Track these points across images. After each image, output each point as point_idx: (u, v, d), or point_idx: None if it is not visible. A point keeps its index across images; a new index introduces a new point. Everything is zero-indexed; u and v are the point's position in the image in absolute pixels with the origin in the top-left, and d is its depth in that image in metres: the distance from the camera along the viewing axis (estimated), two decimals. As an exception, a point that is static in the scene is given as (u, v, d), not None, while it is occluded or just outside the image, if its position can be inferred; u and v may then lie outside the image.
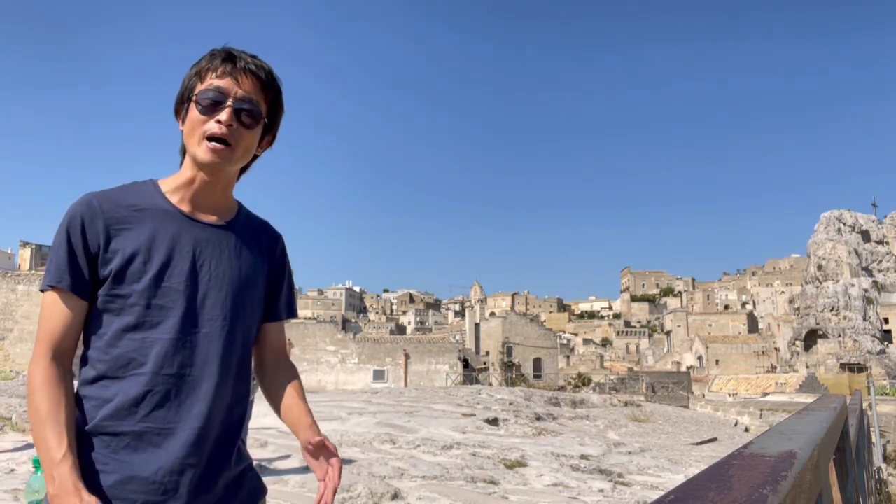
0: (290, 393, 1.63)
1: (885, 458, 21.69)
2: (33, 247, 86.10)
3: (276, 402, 1.64)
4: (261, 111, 1.52)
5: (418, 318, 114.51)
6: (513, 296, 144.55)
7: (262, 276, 1.61)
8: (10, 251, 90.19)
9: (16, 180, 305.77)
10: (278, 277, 1.67)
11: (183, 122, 1.52)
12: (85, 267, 1.43)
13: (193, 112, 1.48)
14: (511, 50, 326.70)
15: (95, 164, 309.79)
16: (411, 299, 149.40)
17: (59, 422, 1.34)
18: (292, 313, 1.71)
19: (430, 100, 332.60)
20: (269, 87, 1.54)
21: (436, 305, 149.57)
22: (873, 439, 16.42)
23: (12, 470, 7.11)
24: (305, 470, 7.67)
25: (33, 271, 43.36)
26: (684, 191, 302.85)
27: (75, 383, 1.46)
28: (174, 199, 1.52)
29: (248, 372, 1.57)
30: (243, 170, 1.62)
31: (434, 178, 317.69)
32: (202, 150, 1.47)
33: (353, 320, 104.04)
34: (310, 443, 1.49)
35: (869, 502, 5.35)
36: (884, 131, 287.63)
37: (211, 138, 1.46)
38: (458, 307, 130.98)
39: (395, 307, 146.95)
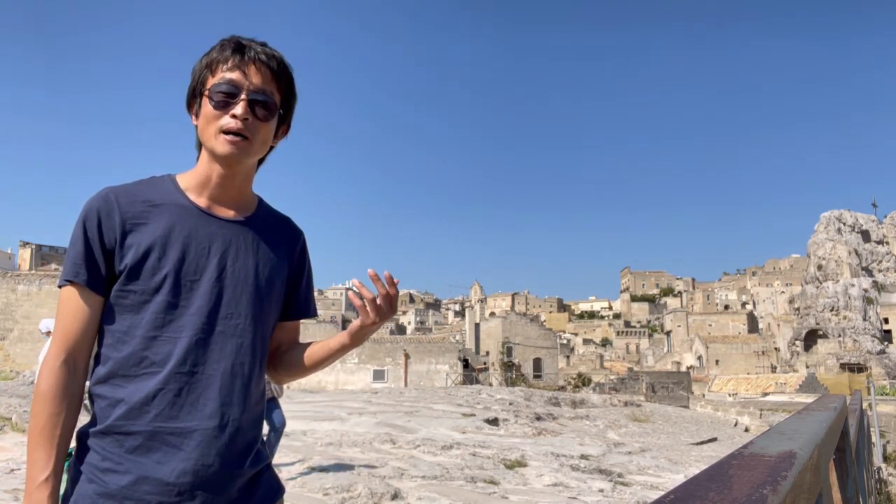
0: (303, 348, 1.62)
1: (885, 458, 21.71)
2: (33, 247, 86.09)
3: (298, 364, 1.61)
4: (275, 102, 1.49)
5: (418, 318, 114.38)
6: (513, 296, 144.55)
7: (281, 274, 1.57)
8: (10, 251, 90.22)
9: (16, 180, 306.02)
10: (297, 275, 1.63)
11: (196, 116, 1.49)
12: (101, 262, 1.40)
13: (207, 107, 1.45)
14: (512, 53, 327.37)
15: (96, 164, 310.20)
16: (411, 299, 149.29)
17: (52, 439, 1.33)
18: (310, 312, 1.66)
19: (432, 101, 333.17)
20: (280, 76, 1.50)
21: (436, 305, 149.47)
22: (873, 439, 16.40)
23: (12, 470, 7.11)
24: (305, 470, 7.67)
25: (33, 271, 43.32)
26: (684, 191, 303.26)
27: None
28: (191, 195, 1.49)
29: (264, 371, 1.54)
30: (260, 162, 1.59)
31: (434, 178, 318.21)
32: (220, 143, 1.44)
33: (353, 320, 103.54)
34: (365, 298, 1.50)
35: (869, 502, 5.35)
36: (884, 131, 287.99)
37: (227, 133, 1.44)
38: (458, 307, 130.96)
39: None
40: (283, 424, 7.80)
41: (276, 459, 7.68)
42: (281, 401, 7.95)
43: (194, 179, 1.51)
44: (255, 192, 1.62)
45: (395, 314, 1.48)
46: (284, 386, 8.07)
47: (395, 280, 1.49)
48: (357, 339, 1.53)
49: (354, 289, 1.54)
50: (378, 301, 1.47)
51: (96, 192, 1.45)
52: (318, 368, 1.61)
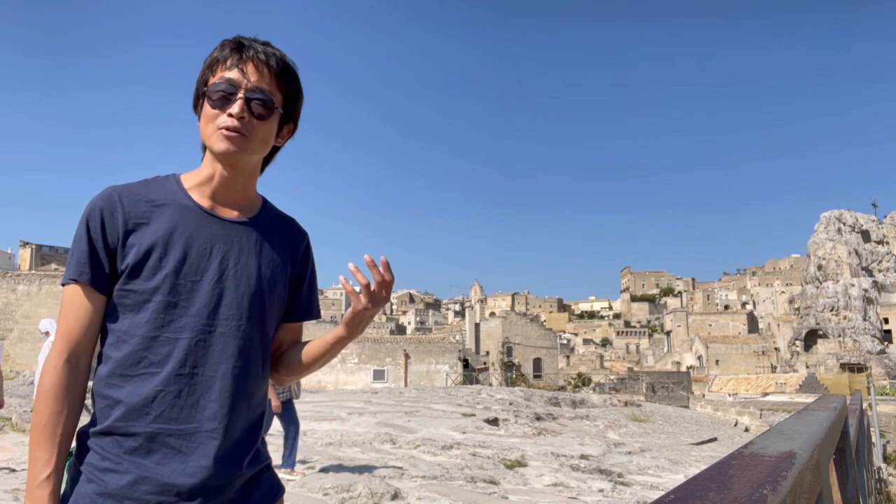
0: (301, 346, 1.61)
1: (885, 458, 21.68)
2: (33, 247, 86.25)
3: (297, 363, 1.59)
4: (273, 101, 1.48)
5: (418, 318, 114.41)
6: (513, 296, 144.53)
7: (283, 275, 1.56)
8: (10, 251, 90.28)
9: (16, 180, 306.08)
10: (300, 277, 1.63)
11: (200, 117, 1.51)
12: (105, 261, 1.41)
13: (207, 106, 1.47)
14: (512, 53, 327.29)
15: (96, 164, 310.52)
16: (411, 299, 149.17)
17: (54, 437, 1.34)
18: (312, 314, 1.66)
19: (432, 100, 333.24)
20: (281, 74, 1.51)
21: (436, 305, 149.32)
22: (873, 439, 16.39)
23: (13, 470, 7.11)
24: (305, 470, 7.67)
25: (33, 271, 43.39)
26: (684, 191, 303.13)
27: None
28: (195, 195, 1.49)
29: (265, 373, 1.54)
30: (266, 163, 1.59)
31: (434, 177, 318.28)
32: (217, 139, 1.45)
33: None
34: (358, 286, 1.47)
35: (869, 502, 5.35)
36: (884, 131, 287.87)
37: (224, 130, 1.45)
38: (458, 307, 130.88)
39: (394, 307, 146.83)
40: (298, 425, 7.79)
41: (276, 460, 7.66)
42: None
43: (198, 179, 1.51)
44: (258, 191, 1.61)
45: (388, 302, 1.45)
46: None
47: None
48: (352, 328, 1.50)
49: (350, 274, 1.53)
50: (372, 287, 1.45)
51: (100, 192, 1.45)
52: (318, 365, 1.59)
